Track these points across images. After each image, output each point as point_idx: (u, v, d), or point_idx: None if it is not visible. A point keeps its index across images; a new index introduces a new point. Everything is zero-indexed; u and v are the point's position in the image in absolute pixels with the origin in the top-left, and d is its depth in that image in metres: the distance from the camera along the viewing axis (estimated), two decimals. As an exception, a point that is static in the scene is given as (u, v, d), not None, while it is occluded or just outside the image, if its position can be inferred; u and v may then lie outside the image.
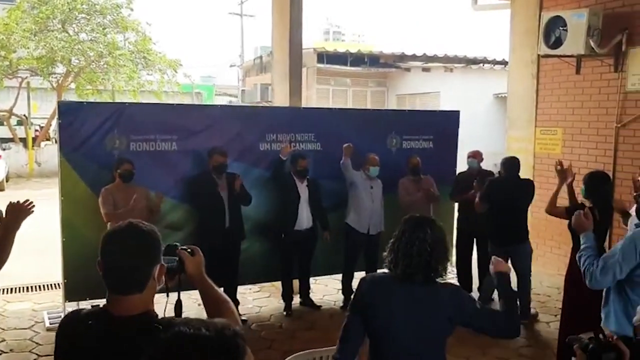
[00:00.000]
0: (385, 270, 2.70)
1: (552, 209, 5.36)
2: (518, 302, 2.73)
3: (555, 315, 6.32)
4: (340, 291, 6.86)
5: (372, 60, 23.36)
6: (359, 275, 6.78)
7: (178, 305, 2.19)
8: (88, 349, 1.86)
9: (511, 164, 6.28)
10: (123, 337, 1.84)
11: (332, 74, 22.60)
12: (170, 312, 2.09)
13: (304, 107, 7.52)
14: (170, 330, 1.37)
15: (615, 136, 7.18)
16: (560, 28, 7.22)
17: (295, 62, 6.99)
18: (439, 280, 2.64)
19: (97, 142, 5.82)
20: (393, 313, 2.60)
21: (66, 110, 5.77)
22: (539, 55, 7.93)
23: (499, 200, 6.06)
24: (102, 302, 1.95)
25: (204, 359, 1.27)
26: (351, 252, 6.73)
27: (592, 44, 6.90)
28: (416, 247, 2.57)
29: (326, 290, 7.19)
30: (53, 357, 1.96)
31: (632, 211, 4.90)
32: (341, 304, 6.72)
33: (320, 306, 6.64)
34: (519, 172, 6.31)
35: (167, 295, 2.06)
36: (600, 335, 2.17)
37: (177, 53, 35.45)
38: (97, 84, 20.21)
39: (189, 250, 2.12)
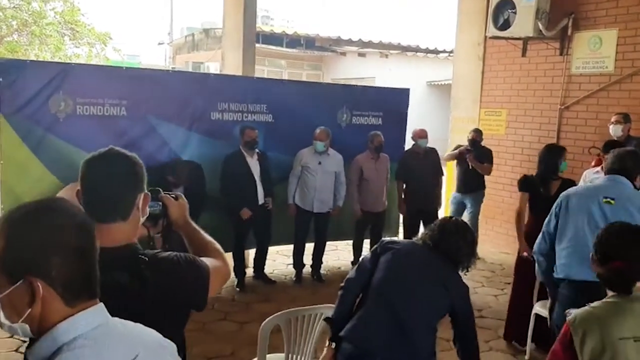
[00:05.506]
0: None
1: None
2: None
3: (502, 289, 6.52)
4: (291, 265, 6.80)
5: (308, 43, 23.26)
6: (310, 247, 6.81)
7: (166, 231, 2.06)
8: None
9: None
10: (107, 269, 1.71)
11: (267, 54, 22.32)
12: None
13: (257, 77, 7.34)
14: None
15: (558, 118, 7.41)
16: (509, 10, 7.36)
17: (249, 30, 6.81)
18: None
19: (41, 103, 5.46)
20: (402, 264, 2.67)
21: (8, 68, 5.34)
22: (485, 37, 8.08)
23: None
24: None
25: None
26: (299, 229, 6.66)
27: (540, 26, 7.07)
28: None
29: (275, 265, 7.10)
30: None
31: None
32: (293, 278, 6.66)
33: (275, 281, 6.54)
34: None
35: (151, 244, 1.95)
36: None
37: (104, 28, 34.09)
38: (20, 55, 19.13)
39: (172, 195, 2.02)
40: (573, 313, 2.18)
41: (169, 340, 1.40)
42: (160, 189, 2.00)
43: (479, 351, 2.79)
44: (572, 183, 4.90)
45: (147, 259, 1.73)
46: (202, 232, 2.09)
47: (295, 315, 3.12)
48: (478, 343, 2.79)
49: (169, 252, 1.82)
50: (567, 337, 2.17)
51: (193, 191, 5.70)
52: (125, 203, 1.75)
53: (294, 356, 3.18)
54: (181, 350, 1.90)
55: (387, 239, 2.87)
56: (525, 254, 4.88)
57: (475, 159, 7.37)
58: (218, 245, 2.06)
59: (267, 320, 3.11)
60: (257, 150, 6.27)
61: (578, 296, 3.46)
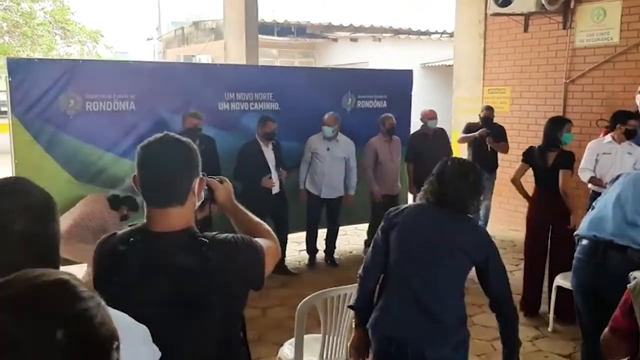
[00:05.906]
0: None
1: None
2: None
3: (517, 265, 6.55)
4: (304, 251, 6.83)
5: (299, 30, 23.13)
6: (322, 233, 6.83)
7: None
8: (132, 266, 1.73)
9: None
10: (167, 253, 1.73)
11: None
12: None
13: (261, 66, 7.34)
14: None
15: (564, 92, 7.42)
16: (510, -14, 7.36)
17: (251, 20, 6.80)
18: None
19: (51, 101, 5.46)
20: (412, 241, 2.61)
21: (16, 68, 5.35)
22: (486, 14, 8.07)
23: None
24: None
25: None
26: (311, 214, 6.69)
27: (542, 1, 7.06)
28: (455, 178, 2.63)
29: (287, 251, 7.10)
30: (93, 283, 1.78)
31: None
32: (307, 263, 6.68)
33: (296, 273, 6.45)
34: None
35: (199, 227, 1.96)
36: None
37: (93, 26, 33.79)
38: (12, 56, 19.03)
39: (217, 179, 2.04)
40: (634, 280, 2.14)
41: (141, 325, 1.38)
42: (205, 174, 2.02)
43: (514, 307, 2.73)
44: (570, 154, 4.95)
45: (207, 241, 1.75)
46: (249, 213, 2.09)
47: (332, 295, 3.13)
48: (512, 293, 2.71)
49: (225, 234, 1.83)
50: (627, 304, 2.12)
51: (206, 159, 5.69)
52: (182, 188, 1.77)
53: (330, 337, 3.20)
54: (242, 329, 1.92)
55: (392, 210, 2.73)
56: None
57: (493, 140, 7.34)
58: (267, 226, 2.07)
59: (304, 301, 3.12)
60: (272, 140, 6.27)
61: (585, 256, 3.46)
